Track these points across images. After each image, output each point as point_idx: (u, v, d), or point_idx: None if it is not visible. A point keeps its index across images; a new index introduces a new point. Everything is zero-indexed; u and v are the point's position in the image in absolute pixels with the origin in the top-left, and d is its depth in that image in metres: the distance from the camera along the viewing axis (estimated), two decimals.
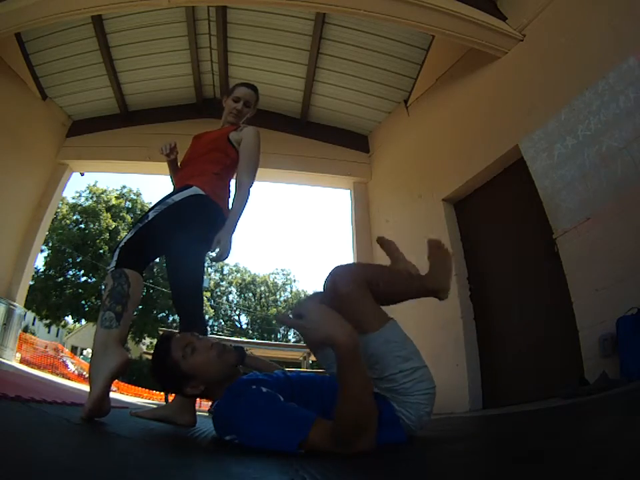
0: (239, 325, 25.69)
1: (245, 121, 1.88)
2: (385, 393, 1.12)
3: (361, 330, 1.06)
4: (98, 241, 16.96)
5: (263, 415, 0.93)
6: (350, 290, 1.10)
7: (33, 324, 20.87)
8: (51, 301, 15.96)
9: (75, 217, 17.17)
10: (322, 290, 1.23)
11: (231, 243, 1.50)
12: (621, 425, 0.94)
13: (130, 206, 18.88)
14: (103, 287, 1.31)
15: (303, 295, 28.05)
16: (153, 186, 54.16)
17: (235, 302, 25.50)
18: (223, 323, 24.95)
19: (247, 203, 1.59)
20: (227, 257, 1.50)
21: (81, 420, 1.04)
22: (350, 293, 1.10)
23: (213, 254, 1.49)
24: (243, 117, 1.84)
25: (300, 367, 12.67)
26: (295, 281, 30.04)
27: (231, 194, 1.69)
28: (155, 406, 1.36)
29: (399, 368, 1.09)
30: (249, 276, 27.92)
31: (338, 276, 1.13)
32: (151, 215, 1.45)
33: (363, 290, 1.13)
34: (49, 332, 20.22)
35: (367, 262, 1.33)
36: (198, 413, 1.51)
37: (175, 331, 1.20)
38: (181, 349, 1.07)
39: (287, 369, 1.53)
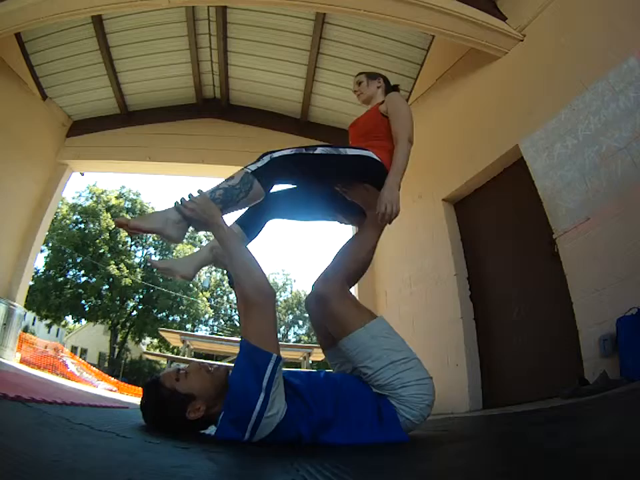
0: (239, 325, 25.71)
1: (373, 93, 1.88)
2: (383, 391, 1.12)
3: (347, 330, 1.18)
4: (98, 241, 16.97)
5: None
6: (332, 305, 1.22)
7: (33, 324, 20.87)
8: (50, 301, 15.96)
9: (74, 217, 17.18)
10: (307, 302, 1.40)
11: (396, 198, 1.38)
12: (621, 425, 0.94)
13: (130, 206, 18.89)
14: (230, 177, 1.25)
15: (303, 295, 28.05)
16: (153, 186, 54.19)
17: (236, 302, 25.45)
18: (223, 323, 24.93)
19: (406, 159, 1.51)
20: (395, 214, 1.36)
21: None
22: (333, 307, 1.22)
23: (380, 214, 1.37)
24: (363, 95, 1.90)
25: (300, 367, 12.66)
26: (294, 281, 30.08)
27: None
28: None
29: (390, 359, 1.13)
30: None
31: (320, 295, 1.26)
32: (320, 150, 1.38)
33: (343, 298, 1.25)
34: (49, 332, 20.22)
35: (343, 257, 1.40)
36: None
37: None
38: (173, 377, 1.07)
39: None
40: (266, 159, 1.28)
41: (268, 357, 1.03)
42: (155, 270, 1.72)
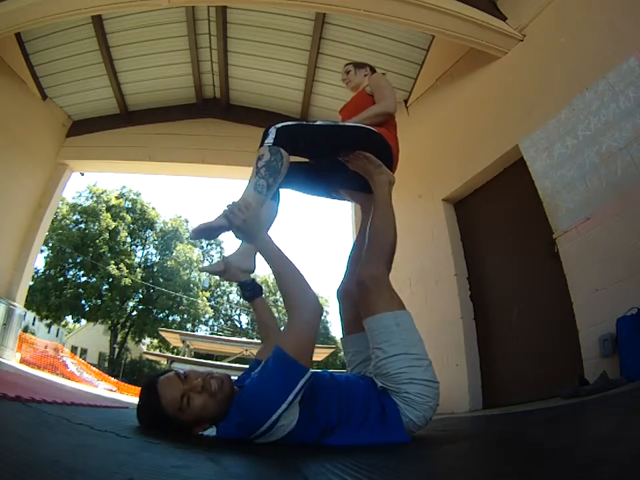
0: (239, 325, 25.69)
1: (361, 81, 2.00)
2: (388, 383, 1.12)
3: (376, 310, 1.22)
4: (98, 241, 16.97)
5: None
6: (372, 292, 1.26)
7: (33, 324, 20.87)
8: (50, 301, 15.95)
9: (74, 217, 17.18)
10: (344, 284, 1.53)
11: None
12: (621, 425, 0.94)
13: (130, 206, 18.90)
14: (259, 157, 1.33)
15: None
16: (153, 186, 54.24)
17: (236, 302, 25.44)
18: (222, 323, 24.93)
19: (372, 115, 1.61)
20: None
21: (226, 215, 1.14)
22: (371, 292, 1.26)
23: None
24: (351, 82, 2.02)
25: None
26: None
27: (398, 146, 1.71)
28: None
29: (405, 350, 1.16)
30: None
31: (363, 282, 1.29)
32: (319, 122, 1.50)
33: (382, 284, 1.30)
34: (49, 332, 20.23)
35: (376, 243, 1.45)
36: None
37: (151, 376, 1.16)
38: (176, 407, 0.98)
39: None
40: (272, 130, 1.37)
41: (303, 371, 0.99)
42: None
